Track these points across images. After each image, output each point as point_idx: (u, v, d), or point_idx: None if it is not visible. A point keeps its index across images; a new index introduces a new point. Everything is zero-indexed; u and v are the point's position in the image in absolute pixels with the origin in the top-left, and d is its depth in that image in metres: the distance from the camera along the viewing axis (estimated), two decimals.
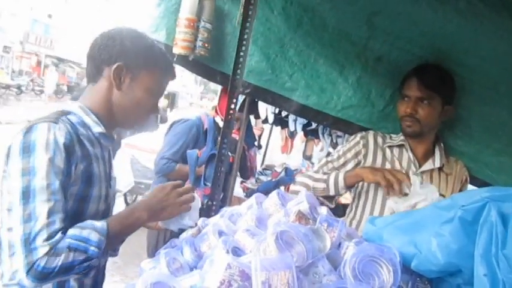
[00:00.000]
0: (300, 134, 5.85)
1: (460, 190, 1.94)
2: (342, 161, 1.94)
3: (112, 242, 1.30)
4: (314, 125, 4.21)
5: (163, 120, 7.08)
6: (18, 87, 21.05)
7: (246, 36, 1.97)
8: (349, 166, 1.92)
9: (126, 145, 6.77)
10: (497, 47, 1.90)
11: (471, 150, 2.09)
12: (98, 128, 1.35)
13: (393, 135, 1.97)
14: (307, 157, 6.54)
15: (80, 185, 1.27)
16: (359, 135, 1.98)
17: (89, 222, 1.24)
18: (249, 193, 3.87)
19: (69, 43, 27.41)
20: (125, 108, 1.38)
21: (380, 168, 1.80)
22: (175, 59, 2.14)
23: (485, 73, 1.98)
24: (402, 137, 1.92)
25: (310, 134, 4.88)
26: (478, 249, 0.93)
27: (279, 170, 4.75)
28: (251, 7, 1.95)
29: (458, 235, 0.99)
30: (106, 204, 1.41)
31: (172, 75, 1.46)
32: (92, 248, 1.19)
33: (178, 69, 2.42)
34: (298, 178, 1.96)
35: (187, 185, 2.84)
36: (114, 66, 1.32)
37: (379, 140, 1.94)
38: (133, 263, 4.35)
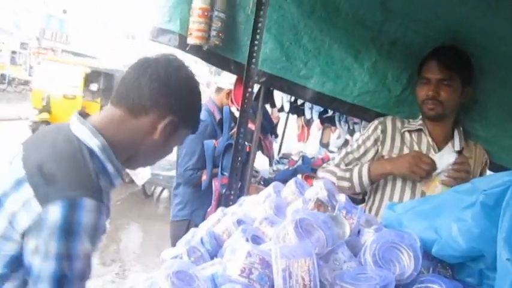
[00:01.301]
0: (317, 122, 5.82)
1: (481, 173, 1.92)
2: (362, 150, 1.92)
3: None
4: (330, 113, 4.18)
5: None
6: None
7: (259, 25, 1.96)
8: (370, 155, 1.91)
9: None
10: None
11: (488, 134, 2.05)
12: (118, 182, 1.17)
13: (411, 120, 1.95)
14: (324, 145, 6.50)
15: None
16: (376, 121, 1.96)
17: None
18: (266, 182, 3.88)
19: (85, 37, 27.65)
20: (150, 155, 1.25)
21: (403, 158, 1.79)
22: (188, 48, 2.14)
23: (502, 54, 1.93)
24: (420, 121, 1.90)
25: (327, 122, 4.84)
26: (501, 233, 0.92)
27: (296, 158, 4.74)
28: None
29: (480, 219, 0.98)
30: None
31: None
32: None
33: (192, 59, 2.42)
34: (321, 173, 1.94)
35: (204, 177, 2.90)
36: (168, 120, 1.18)
37: (398, 124, 1.92)
38: (154, 253, 4.42)
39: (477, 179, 1.29)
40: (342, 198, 1.26)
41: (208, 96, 3.41)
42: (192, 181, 3.03)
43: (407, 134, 1.90)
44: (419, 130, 1.89)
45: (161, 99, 1.17)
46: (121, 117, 1.17)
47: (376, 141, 1.90)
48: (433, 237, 1.09)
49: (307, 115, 4.38)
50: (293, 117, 6.16)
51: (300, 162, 4.32)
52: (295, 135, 7.08)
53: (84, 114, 1.18)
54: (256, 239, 1.13)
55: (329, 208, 1.18)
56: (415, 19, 1.99)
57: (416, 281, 1.00)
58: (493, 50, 1.93)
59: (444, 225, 1.08)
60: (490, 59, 1.95)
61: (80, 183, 1.02)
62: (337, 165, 1.92)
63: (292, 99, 4.17)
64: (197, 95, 1.26)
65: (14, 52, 22.38)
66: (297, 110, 4.64)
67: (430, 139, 1.87)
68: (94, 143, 1.10)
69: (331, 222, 1.05)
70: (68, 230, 0.96)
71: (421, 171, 1.70)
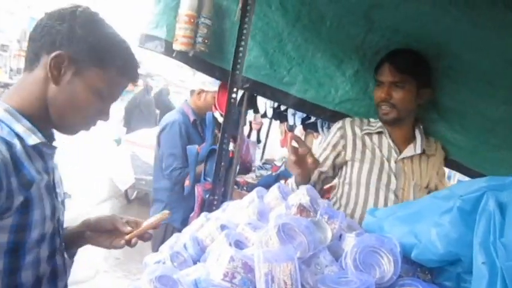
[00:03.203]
0: (299, 128, 5.85)
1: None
2: (322, 158, 1.95)
3: None
4: (313, 119, 4.21)
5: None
6: None
7: (245, 32, 1.97)
8: (329, 162, 1.94)
9: (126, 142, 6.77)
10: (493, 40, 1.89)
11: (469, 145, 2.08)
12: (32, 139, 1.08)
13: (372, 120, 1.98)
14: None
15: (15, 216, 1.03)
16: (336, 126, 1.98)
17: None
18: (249, 187, 3.89)
19: None
20: (61, 108, 1.13)
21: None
22: (174, 54, 2.16)
23: (482, 67, 1.97)
24: (380, 123, 1.93)
25: (310, 128, 4.87)
26: (477, 238, 0.95)
27: (278, 163, 4.77)
28: (249, 2, 1.95)
29: (457, 224, 1.01)
30: (53, 221, 1.18)
31: (134, 78, 1.21)
32: None
33: (177, 64, 2.43)
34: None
35: (187, 183, 2.89)
36: (53, 54, 1.07)
37: (357, 128, 1.94)
38: (136, 259, 4.38)
39: (455, 184, 1.32)
40: (324, 203, 1.28)
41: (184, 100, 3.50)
42: (182, 180, 3.08)
43: (367, 137, 1.92)
44: (379, 133, 1.92)
45: (46, 36, 1.08)
46: (23, 79, 1.12)
47: (335, 146, 1.94)
48: (413, 242, 1.11)
49: (290, 121, 4.41)
50: (276, 123, 6.20)
51: (283, 167, 4.35)
52: (278, 141, 7.12)
53: None
54: (239, 244, 1.14)
55: (311, 213, 1.20)
56: (398, 30, 2.03)
57: (396, 284, 1.02)
58: (472, 63, 1.96)
59: (423, 230, 1.10)
60: (470, 72, 1.99)
61: None
62: (315, 182, 1.94)
63: (276, 105, 4.20)
64: (97, 24, 1.13)
65: None
66: (280, 115, 4.67)
67: (391, 141, 1.90)
68: None
69: (313, 227, 1.07)
70: None
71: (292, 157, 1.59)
